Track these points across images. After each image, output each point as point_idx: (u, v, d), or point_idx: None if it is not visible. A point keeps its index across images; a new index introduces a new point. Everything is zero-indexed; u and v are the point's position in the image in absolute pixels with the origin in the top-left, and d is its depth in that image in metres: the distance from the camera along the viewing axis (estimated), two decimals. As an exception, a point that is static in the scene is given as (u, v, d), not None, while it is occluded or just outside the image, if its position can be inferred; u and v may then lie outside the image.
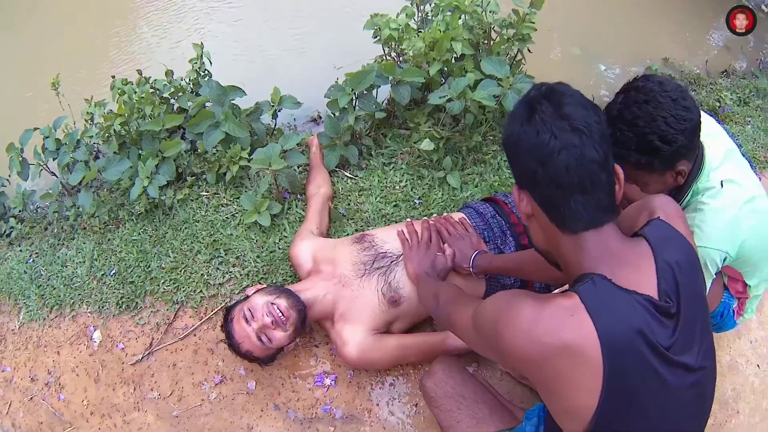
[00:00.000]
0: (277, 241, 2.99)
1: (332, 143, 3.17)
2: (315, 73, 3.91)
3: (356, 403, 2.65)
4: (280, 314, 2.38)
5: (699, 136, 2.12)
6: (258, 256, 2.95)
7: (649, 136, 2.03)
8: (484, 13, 3.11)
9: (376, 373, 2.69)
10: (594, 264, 1.46)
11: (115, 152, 3.21)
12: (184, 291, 2.91)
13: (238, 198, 3.14)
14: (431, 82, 3.17)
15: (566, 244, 1.51)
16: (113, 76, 3.35)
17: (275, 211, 3.01)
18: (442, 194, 3.11)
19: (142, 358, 2.82)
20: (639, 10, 4.77)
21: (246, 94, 3.25)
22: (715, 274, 2.19)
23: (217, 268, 2.94)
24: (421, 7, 3.39)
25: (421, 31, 3.13)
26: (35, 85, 4.21)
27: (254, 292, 2.52)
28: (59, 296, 3.08)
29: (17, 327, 3.11)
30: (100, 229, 3.22)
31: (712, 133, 2.32)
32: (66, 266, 3.17)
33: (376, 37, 3.27)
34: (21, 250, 3.36)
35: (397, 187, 3.15)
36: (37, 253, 3.31)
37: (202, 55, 3.38)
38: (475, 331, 1.65)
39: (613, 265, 1.45)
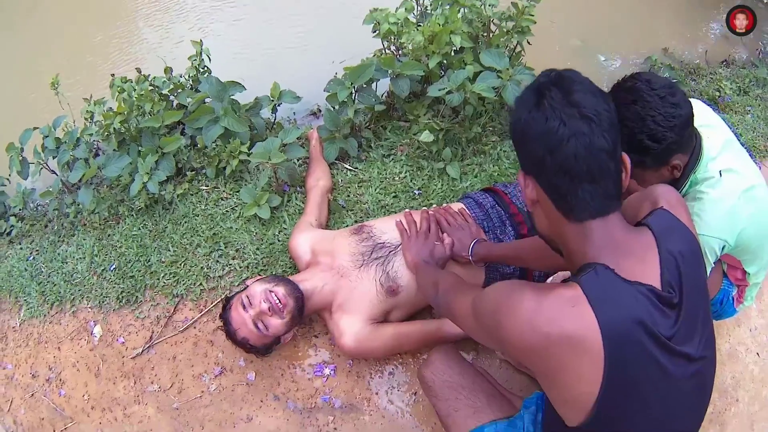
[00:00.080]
0: (276, 234, 2.99)
1: (332, 136, 3.17)
2: (315, 68, 3.90)
3: (355, 392, 2.65)
4: (277, 301, 2.38)
5: (691, 129, 2.13)
6: (257, 249, 2.94)
7: (638, 135, 2.04)
8: (483, 6, 3.11)
9: (375, 363, 2.69)
10: (598, 253, 1.46)
11: (114, 149, 3.21)
12: (184, 284, 2.91)
13: (237, 192, 3.14)
14: (431, 74, 3.17)
15: (571, 233, 1.50)
16: (112, 75, 3.34)
17: (275, 203, 3.01)
18: (442, 185, 3.11)
19: (142, 351, 2.82)
20: (639, 0, 4.75)
21: (246, 89, 3.25)
22: (714, 262, 2.19)
23: (217, 261, 2.94)
24: (420, 1, 3.39)
25: (420, 25, 3.12)
26: (35, 85, 4.21)
27: (253, 282, 2.53)
28: (60, 292, 3.08)
29: (18, 324, 3.11)
30: (100, 225, 3.22)
31: (710, 123, 2.33)
32: (66, 262, 3.17)
33: (375, 31, 3.27)
34: (21, 248, 3.36)
35: (397, 179, 3.14)
36: (37, 250, 3.31)
37: (201, 52, 3.37)
38: (474, 320, 1.64)
39: (618, 255, 1.45)
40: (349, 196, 3.11)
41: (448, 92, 2.90)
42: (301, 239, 2.74)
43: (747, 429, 2.77)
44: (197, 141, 3.20)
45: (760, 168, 2.38)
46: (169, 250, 3.01)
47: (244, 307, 2.42)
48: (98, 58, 4.48)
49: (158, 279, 2.95)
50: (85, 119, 3.35)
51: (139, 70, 3.37)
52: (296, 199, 3.10)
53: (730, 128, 2.41)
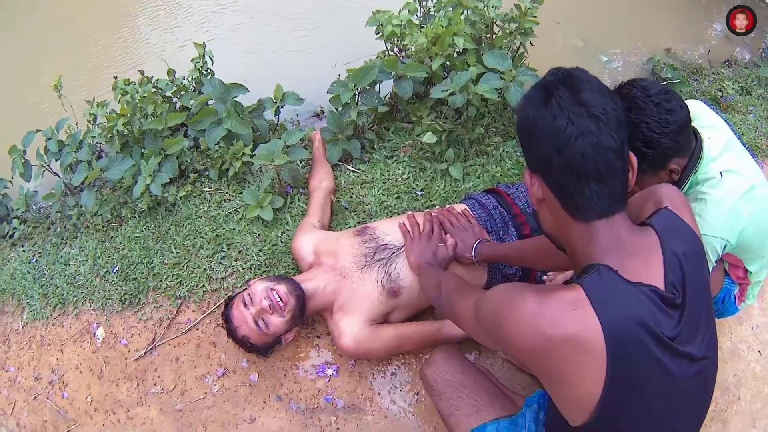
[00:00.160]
0: (279, 235, 2.99)
1: (335, 138, 3.17)
2: (318, 69, 3.91)
3: (358, 392, 2.65)
4: (279, 299, 2.39)
5: (688, 133, 2.15)
6: (260, 250, 2.94)
7: (634, 142, 2.05)
8: (486, 7, 3.11)
9: (377, 363, 2.69)
10: (603, 254, 1.46)
11: (117, 151, 3.21)
12: (186, 286, 2.91)
13: (240, 193, 3.14)
14: (434, 76, 3.17)
15: (577, 232, 1.50)
16: (115, 77, 3.35)
17: (278, 205, 3.01)
18: (445, 186, 3.11)
19: (145, 353, 2.82)
20: (641, 1, 4.76)
21: (249, 91, 3.26)
22: (716, 261, 2.19)
23: (220, 263, 2.94)
24: (423, 3, 3.39)
25: (423, 27, 3.12)
26: (37, 87, 4.22)
27: (256, 281, 2.53)
28: (62, 295, 3.08)
29: (21, 327, 3.11)
30: (102, 227, 3.22)
31: (711, 124, 2.34)
32: (69, 265, 3.17)
33: (378, 33, 3.27)
34: (24, 251, 3.36)
35: (400, 180, 3.14)
36: (40, 253, 3.31)
37: (204, 54, 3.38)
38: (476, 322, 1.65)
39: (622, 256, 1.45)
40: (352, 197, 3.11)
41: (451, 94, 2.90)
42: (304, 240, 2.74)
43: (749, 426, 2.78)
44: (200, 143, 3.20)
45: (762, 167, 2.39)
46: (172, 252, 3.01)
47: (245, 304, 2.43)
48: (101, 60, 4.49)
49: (161, 281, 2.95)
50: (88, 121, 3.35)
51: (142, 72, 3.37)
52: (299, 200, 3.10)
53: (732, 129, 2.42)
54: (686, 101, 2.18)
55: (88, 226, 3.28)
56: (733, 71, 4.23)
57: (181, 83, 3.37)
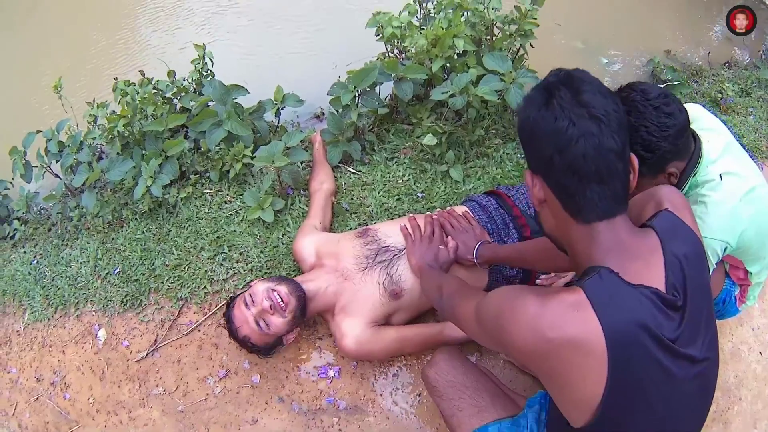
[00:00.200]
0: (280, 237, 2.99)
1: (335, 139, 3.17)
2: (318, 71, 3.91)
3: (360, 394, 2.66)
4: (280, 300, 2.40)
5: (687, 137, 2.15)
6: (261, 252, 2.95)
7: (633, 146, 2.04)
8: (486, 9, 3.12)
9: (379, 365, 2.70)
10: (604, 256, 1.46)
11: (118, 153, 3.21)
12: (188, 287, 2.91)
13: (241, 195, 3.15)
14: (434, 78, 3.17)
15: (578, 234, 1.51)
16: (115, 78, 3.35)
17: (278, 207, 3.02)
18: (445, 187, 3.12)
19: (146, 354, 2.83)
20: (641, 2, 4.77)
21: (249, 93, 3.26)
22: (716, 263, 2.20)
23: (221, 264, 2.94)
24: (424, 5, 3.39)
25: (423, 29, 3.13)
26: (37, 87, 4.22)
27: (257, 281, 2.54)
28: (64, 296, 3.08)
29: (22, 328, 3.11)
30: (103, 228, 3.23)
31: (711, 127, 2.35)
32: (70, 266, 3.18)
33: (378, 35, 3.27)
34: (25, 252, 3.37)
35: (400, 181, 3.15)
36: (41, 254, 3.31)
37: (204, 55, 3.38)
38: (478, 324, 1.65)
39: (623, 258, 1.45)
40: (352, 199, 3.11)
41: (452, 95, 2.91)
42: (305, 242, 2.75)
43: (750, 427, 2.79)
44: (201, 144, 3.20)
45: (762, 169, 2.39)
46: (173, 254, 3.02)
47: (246, 305, 2.44)
48: (101, 61, 4.49)
49: (162, 282, 2.96)
50: (88, 123, 3.35)
51: (142, 73, 3.37)
52: (300, 202, 3.10)
53: (731, 131, 2.42)
54: (685, 105, 2.19)
55: (89, 228, 3.28)
56: (733, 73, 4.24)
57: (182, 84, 3.37)
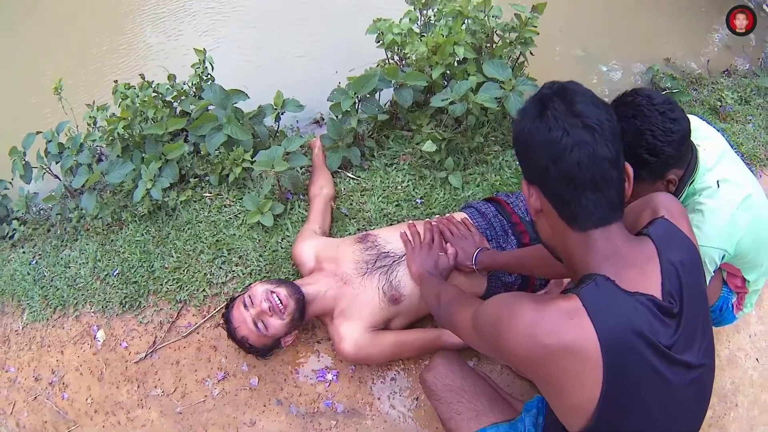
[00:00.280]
0: (279, 241, 3.00)
1: (335, 145, 3.18)
2: (318, 77, 3.92)
3: (358, 397, 2.67)
4: (278, 302, 2.42)
5: (688, 144, 2.17)
6: (261, 256, 2.96)
7: (637, 149, 2.08)
8: (486, 17, 3.13)
9: (377, 368, 2.71)
10: (600, 263, 1.47)
11: (118, 155, 3.22)
12: (187, 290, 2.92)
13: (240, 199, 3.15)
14: (434, 85, 3.18)
15: (574, 242, 1.52)
16: (116, 81, 3.36)
17: (278, 211, 3.03)
18: (444, 194, 3.13)
19: (145, 356, 2.84)
20: (640, 10, 4.77)
21: (249, 97, 3.26)
22: (714, 271, 2.21)
23: (220, 268, 2.95)
24: (424, 12, 3.41)
25: (423, 36, 3.14)
26: (37, 88, 4.22)
27: (257, 283, 2.55)
28: (62, 297, 3.09)
29: (21, 328, 3.12)
30: (103, 230, 3.24)
31: (706, 135, 2.37)
32: (69, 267, 3.18)
33: (379, 41, 3.29)
34: (24, 252, 3.37)
35: (399, 188, 3.16)
36: (40, 254, 3.32)
37: (204, 60, 3.39)
38: (475, 332, 1.66)
39: (619, 266, 1.46)
40: (351, 204, 3.13)
41: (451, 102, 2.92)
42: (305, 246, 2.76)
43: (747, 433, 2.80)
44: (200, 148, 3.21)
45: (760, 177, 2.41)
46: (172, 256, 3.03)
47: (245, 306, 2.45)
48: (102, 63, 4.49)
49: (161, 285, 2.96)
50: (88, 125, 3.36)
51: (142, 76, 3.38)
52: (299, 207, 3.11)
53: (727, 140, 2.44)
54: None
55: (88, 229, 3.29)
56: (732, 81, 4.24)
57: (182, 88, 3.38)
